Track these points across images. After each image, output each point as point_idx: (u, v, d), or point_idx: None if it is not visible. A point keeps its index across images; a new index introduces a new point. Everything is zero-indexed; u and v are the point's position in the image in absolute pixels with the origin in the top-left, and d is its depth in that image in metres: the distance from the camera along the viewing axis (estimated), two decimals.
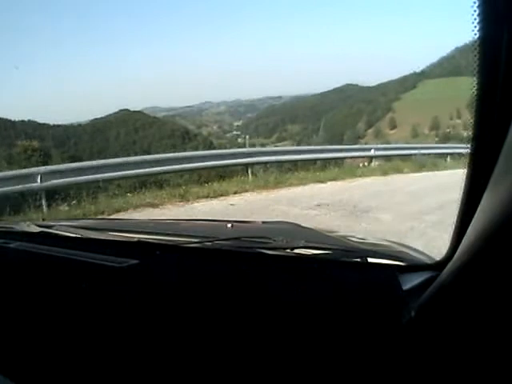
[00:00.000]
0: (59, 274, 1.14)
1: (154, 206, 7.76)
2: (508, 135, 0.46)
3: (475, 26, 0.49)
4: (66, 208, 7.77)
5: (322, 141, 59.52)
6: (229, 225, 1.57)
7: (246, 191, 9.01)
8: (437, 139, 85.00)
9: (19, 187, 7.26)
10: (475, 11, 0.49)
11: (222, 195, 8.59)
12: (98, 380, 0.79)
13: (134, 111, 64.11)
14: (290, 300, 0.87)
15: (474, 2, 0.48)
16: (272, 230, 1.55)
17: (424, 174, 11.86)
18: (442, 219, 5.12)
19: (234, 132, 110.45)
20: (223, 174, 10.91)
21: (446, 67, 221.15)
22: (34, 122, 45.50)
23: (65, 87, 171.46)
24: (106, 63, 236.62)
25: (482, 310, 0.58)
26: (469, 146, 0.56)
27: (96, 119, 61.17)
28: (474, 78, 0.53)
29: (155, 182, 9.86)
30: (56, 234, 1.50)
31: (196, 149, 30.06)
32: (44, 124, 47.28)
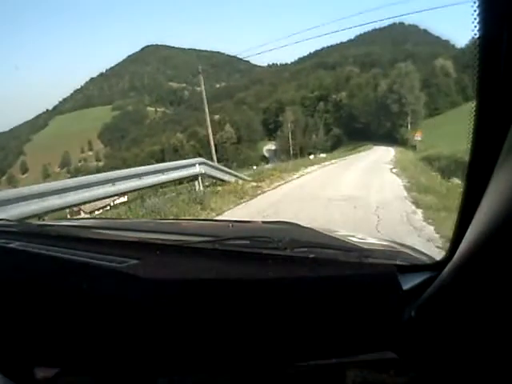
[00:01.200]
0: (59, 273, 1.14)
1: None
2: (508, 135, 0.46)
3: (475, 26, 0.49)
4: None
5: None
6: (229, 225, 1.58)
7: None
8: (69, 175, 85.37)
9: None
10: (475, 11, 0.49)
11: None
12: (98, 379, 0.81)
13: None
14: (290, 300, 0.88)
15: (474, 2, 0.48)
16: (272, 229, 1.55)
17: None
18: None
19: None
20: None
21: (78, 100, 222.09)
22: None
23: None
24: None
25: (482, 310, 0.58)
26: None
27: None
28: (474, 78, 0.53)
29: None
30: (56, 234, 1.49)
31: None
32: None
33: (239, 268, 1.02)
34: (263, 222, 1.79)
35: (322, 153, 67.73)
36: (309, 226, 1.58)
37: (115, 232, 1.51)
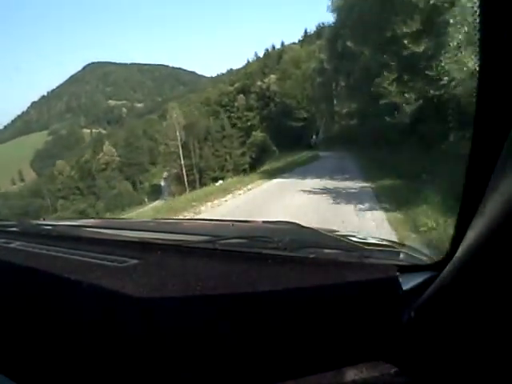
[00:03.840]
0: (59, 273, 1.13)
1: None
2: (508, 135, 0.46)
3: (475, 26, 0.49)
4: None
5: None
6: (230, 224, 1.59)
7: None
8: None
9: None
10: (476, 12, 0.48)
11: None
12: (98, 379, 0.80)
13: None
14: (290, 300, 0.88)
15: (475, 2, 0.48)
16: (273, 229, 1.57)
17: None
18: None
19: None
20: None
21: (18, 126, 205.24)
22: None
23: None
24: None
25: (482, 310, 0.58)
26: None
27: None
28: (475, 78, 0.52)
29: None
30: (56, 234, 1.52)
31: None
32: None
33: (239, 268, 1.02)
34: (264, 222, 1.76)
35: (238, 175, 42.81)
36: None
37: (115, 232, 1.52)
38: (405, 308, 0.77)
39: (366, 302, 0.83)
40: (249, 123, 63.40)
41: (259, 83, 64.83)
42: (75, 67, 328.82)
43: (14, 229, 1.69)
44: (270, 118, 60.16)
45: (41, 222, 2.01)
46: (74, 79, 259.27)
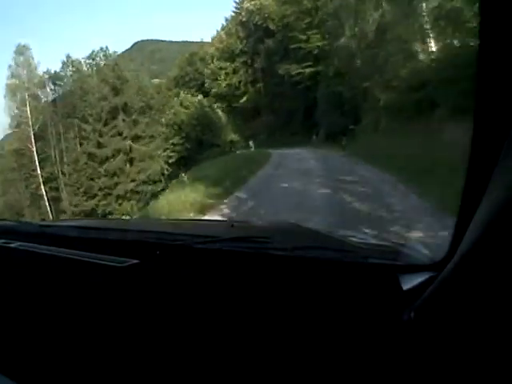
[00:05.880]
0: (59, 273, 1.15)
1: None
2: (508, 135, 0.46)
3: (475, 27, 0.53)
4: None
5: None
6: (230, 225, 1.60)
7: None
8: None
9: None
10: (475, 11, 0.52)
11: None
12: (99, 380, 0.81)
13: None
14: (290, 301, 0.88)
15: (475, 3, 0.51)
16: (272, 230, 1.59)
17: None
18: None
19: None
20: None
21: None
22: None
23: None
24: None
25: (482, 310, 0.58)
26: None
27: None
28: (474, 78, 0.52)
29: None
30: (56, 234, 1.54)
31: None
32: None
33: (239, 268, 1.02)
34: (264, 223, 1.75)
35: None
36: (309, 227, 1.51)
37: (115, 232, 1.55)
38: (405, 308, 0.76)
39: (366, 302, 0.83)
40: (224, 84, 35.70)
41: (246, 5, 35.38)
42: (126, 45, 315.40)
43: (14, 229, 1.69)
44: (256, 68, 33.25)
45: (40, 222, 2.13)
46: (121, 57, 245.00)
